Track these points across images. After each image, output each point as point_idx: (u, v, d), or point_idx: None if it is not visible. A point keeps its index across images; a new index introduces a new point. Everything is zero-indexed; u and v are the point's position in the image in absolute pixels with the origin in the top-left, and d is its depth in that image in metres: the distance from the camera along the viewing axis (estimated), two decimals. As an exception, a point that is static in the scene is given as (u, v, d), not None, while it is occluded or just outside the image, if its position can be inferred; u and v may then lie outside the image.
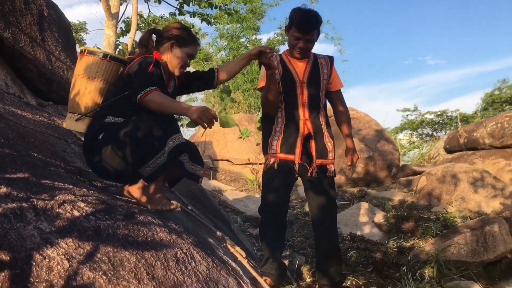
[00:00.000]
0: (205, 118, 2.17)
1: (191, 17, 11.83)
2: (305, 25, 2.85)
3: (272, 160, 2.94)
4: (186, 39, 2.58)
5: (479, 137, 8.32)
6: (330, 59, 3.09)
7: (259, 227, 3.05)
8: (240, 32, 13.70)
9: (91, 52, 2.49)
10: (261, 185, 6.64)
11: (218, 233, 2.73)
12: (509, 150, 7.68)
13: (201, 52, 13.73)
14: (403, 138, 18.55)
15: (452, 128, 18.52)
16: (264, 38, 15.09)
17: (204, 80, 2.78)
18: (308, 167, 2.91)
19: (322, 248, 2.99)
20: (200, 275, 1.86)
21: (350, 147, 3.06)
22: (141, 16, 12.47)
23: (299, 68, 2.99)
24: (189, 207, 2.98)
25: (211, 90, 12.64)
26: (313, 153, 2.92)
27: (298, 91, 2.94)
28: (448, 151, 9.53)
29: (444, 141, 10.04)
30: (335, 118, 3.16)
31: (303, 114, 2.93)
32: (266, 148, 3.02)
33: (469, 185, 5.49)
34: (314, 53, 3.07)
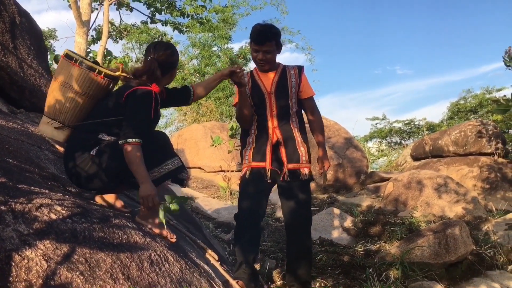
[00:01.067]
0: (146, 202, 2.26)
1: (163, 25, 11.87)
2: (259, 37, 3.00)
3: (244, 169, 3.09)
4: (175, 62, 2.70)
5: (443, 144, 8.61)
6: (299, 68, 3.21)
7: (234, 232, 3.13)
8: (212, 41, 13.79)
9: (88, 67, 2.42)
10: (232, 192, 6.72)
11: (191, 237, 2.80)
12: (472, 158, 7.98)
13: (173, 60, 13.76)
14: (372, 146, 18.94)
15: (419, 136, 18.98)
16: (235, 47, 15.27)
17: (181, 98, 2.84)
18: (280, 172, 3.03)
19: (293, 250, 3.09)
20: (173, 276, 1.93)
21: (320, 155, 3.18)
22: (112, 24, 12.42)
23: (267, 80, 3.12)
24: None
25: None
26: (284, 158, 3.04)
27: (266, 102, 3.09)
28: (415, 158, 9.81)
29: (411, 149, 10.33)
30: (309, 126, 3.29)
31: (271, 123, 3.07)
32: (241, 159, 3.18)
33: (434, 190, 5.70)
34: (283, 65, 3.21)
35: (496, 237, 4.15)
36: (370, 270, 3.52)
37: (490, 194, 6.96)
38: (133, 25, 13.91)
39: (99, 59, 9.46)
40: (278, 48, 3.10)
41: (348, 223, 4.84)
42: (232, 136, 7.58)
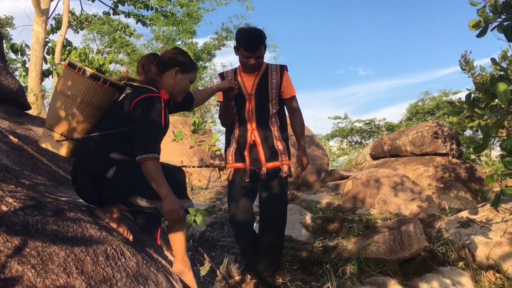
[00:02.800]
0: (171, 217, 2.27)
1: (126, 17, 11.66)
2: (252, 45, 3.04)
3: (228, 170, 3.24)
4: (189, 65, 2.60)
5: (401, 144, 8.83)
6: (281, 68, 3.26)
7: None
8: (176, 35, 13.62)
9: (92, 77, 2.36)
10: (193, 187, 6.67)
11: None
12: (428, 157, 8.21)
13: (136, 53, 13.51)
14: (333, 144, 19.22)
15: (379, 136, 19.41)
16: (200, 42, 15.11)
17: (185, 104, 2.84)
18: (257, 171, 3.14)
19: (265, 244, 3.16)
20: (129, 271, 1.91)
21: (299, 154, 3.34)
22: (73, 13, 12.10)
23: (249, 82, 3.19)
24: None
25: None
26: (261, 158, 3.15)
27: (246, 103, 3.17)
28: (374, 157, 10.02)
29: (370, 148, 10.54)
30: (290, 125, 3.37)
31: (250, 124, 3.17)
32: (225, 159, 3.30)
33: (391, 189, 5.84)
34: (267, 64, 3.26)
35: (448, 235, 4.29)
36: (327, 266, 3.58)
37: (444, 193, 7.20)
38: (95, 16, 13.61)
39: (58, 49, 9.20)
40: (265, 49, 3.16)
41: (307, 219, 4.90)
42: (194, 132, 7.55)
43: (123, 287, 1.76)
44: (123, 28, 13.69)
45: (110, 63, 9.81)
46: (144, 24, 12.34)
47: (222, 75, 3.33)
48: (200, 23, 14.05)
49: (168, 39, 13.42)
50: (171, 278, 2.25)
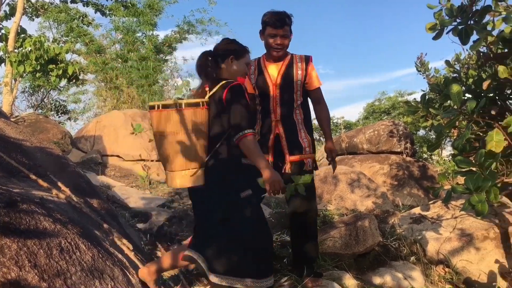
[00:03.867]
0: (273, 188, 2.42)
1: (84, 6, 11.36)
2: (278, 21, 3.03)
3: None
4: (241, 50, 2.74)
5: (358, 142, 9.01)
6: (306, 59, 3.23)
7: None
8: (137, 26, 13.36)
9: (189, 105, 2.47)
10: (152, 181, 6.59)
11: (105, 225, 2.72)
12: (383, 155, 8.42)
13: (94, 43, 13.17)
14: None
15: (337, 134, 19.75)
16: (161, 34, 14.83)
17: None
18: (280, 165, 3.12)
19: (300, 240, 3.31)
20: (84, 264, 1.87)
21: (327, 145, 3.32)
22: (28, 0, 11.66)
23: (274, 71, 3.15)
24: (75, 199, 2.92)
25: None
26: (285, 151, 3.12)
27: (271, 94, 3.13)
28: (332, 154, 10.17)
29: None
30: (315, 116, 3.37)
31: (274, 116, 3.14)
32: None
33: (347, 185, 5.96)
34: (291, 54, 3.23)
35: (401, 230, 4.42)
36: (284, 260, 3.62)
37: (398, 190, 7.41)
38: (51, 3, 13.18)
39: (11, 36, 8.87)
40: (291, 35, 3.14)
41: (265, 214, 4.93)
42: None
43: (78, 280, 1.73)
44: (81, 17, 13.34)
45: (67, 52, 9.54)
46: (103, 14, 12.06)
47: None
48: (161, 15, 13.85)
49: (128, 30, 13.15)
50: (127, 272, 2.23)
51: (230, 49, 2.70)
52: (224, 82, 2.59)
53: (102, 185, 5.55)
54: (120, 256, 2.44)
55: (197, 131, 2.47)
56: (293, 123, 3.17)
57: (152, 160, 7.23)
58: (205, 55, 2.71)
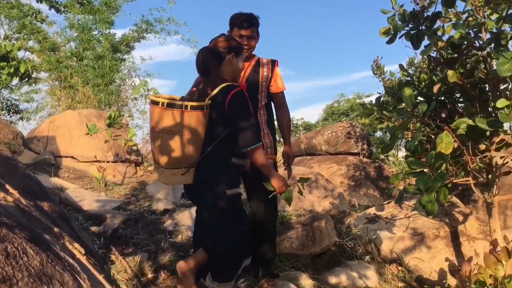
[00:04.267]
0: (282, 190, 2.74)
1: (37, 2, 10.95)
2: (245, 21, 3.07)
3: None
4: (239, 48, 2.79)
5: (317, 143, 9.13)
6: (273, 62, 3.27)
7: None
8: (93, 24, 13.03)
9: (194, 108, 2.52)
10: (107, 183, 6.45)
11: (56, 229, 2.64)
12: (341, 156, 8.56)
13: (47, 41, 12.75)
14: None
15: (296, 135, 19.94)
16: (118, 33, 14.48)
17: None
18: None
19: (260, 238, 3.30)
20: (32, 270, 1.81)
21: (285, 150, 3.41)
22: (-23, -6, 11.19)
23: (246, 70, 3.15)
24: (24, 202, 2.81)
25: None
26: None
27: None
28: (291, 155, 10.25)
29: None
30: (276, 120, 3.41)
31: (260, 116, 3.16)
32: None
33: (306, 186, 6.02)
34: (258, 57, 3.25)
35: (357, 230, 4.51)
36: (241, 262, 3.61)
37: (355, 190, 7.54)
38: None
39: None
40: (258, 36, 3.18)
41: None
42: (110, 125, 7.30)
43: (25, 287, 1.67)
44: (34, 14, 12.89)
45: (19, 50, 9.21)
46: (57, 10, 11.69)
47: None
48: (119, 14, 13.56)
49: (84, 28, 12.81)
50: (78, 277, 2.16)
51: (232, 46, 2.72)
52: (225, 85, 2.62)
53: (54, 187, 5.38)
54: (71, 260, 2.37)
55: (195, 133, 2.55)
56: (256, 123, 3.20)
57: (108, 161, 7.07)
58: (205, 51, 2.70)
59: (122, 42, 13.59)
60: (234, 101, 2.56)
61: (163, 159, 2.56)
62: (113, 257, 3.44)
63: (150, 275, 3.31)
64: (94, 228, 4.06)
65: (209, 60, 2.67)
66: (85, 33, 12.73)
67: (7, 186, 2.70)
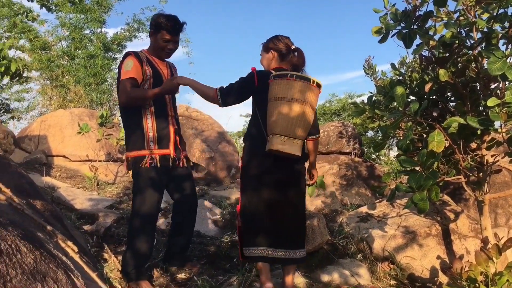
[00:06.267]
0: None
1: (28, 1, 10.88)
2: (176, 28, 3.11)
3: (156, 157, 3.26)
4: None
5: (309, 143, 9.15)
6: (174, 66, 3.43)
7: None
8: (84, 23, 12.97)
9: (318, 85, 2.90)
10: (99, 182, 6.42)
11: (48, 227, 2.63)
12: (333, 156, 8.58)
13: (38, 40, 12.67)
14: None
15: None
16: (110, 32, 14.36)
17: None
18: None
19: (183, 235, 3.41)
20: (26, 267, 1.80)
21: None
22: (-33, -8, 11.10)
23: (163, 69, 3.21)
24: (16, 201, 2.80)
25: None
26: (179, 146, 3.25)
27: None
28: (283, 155, 10.25)
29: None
30: None
31: (170, 111, 3.20)
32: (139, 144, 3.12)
33: (298, 185, 6.04)
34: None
35: (349, 229, 4.53)
36: (234, 260, 3.63)
37: (346, 189, 7.57)
38: (-7, -3, 12.59)
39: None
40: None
41: (216, 215, 4.92)
42: (102, 125, 7.27)
43: (18, 284, 1.66)
44: (25, 12, 12.80)
45: (10, 48, 9.12)
46: (49, 9, 11.60)
47: (136, 54, 3.14)
48: (110, 13, 13.52)
49: (75, 27, 12.75)
50: (71, 275, 2.16)
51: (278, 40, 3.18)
52: None
53: (46, 186, 5.35)
54: (64, 258, 2.36)
55: (312, 106, 2.92)
56: (178, 120, 3.37)
57: (100, 161, 7.05)
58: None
59: (114, 41, 13.54)
60: None
61: (295, 130, 2.81)
62: (106, 256, 3.43)
63: (143, 274, 3.31)
64: (86, 227, 4.05)
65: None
66: (76, 32, 12.67)
67: None
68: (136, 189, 3.11)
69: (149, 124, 3.07)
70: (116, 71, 13.86)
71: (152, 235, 3.15)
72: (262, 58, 3.18)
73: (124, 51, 14.27)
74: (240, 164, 3.20)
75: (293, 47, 3.12)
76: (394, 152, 11.36)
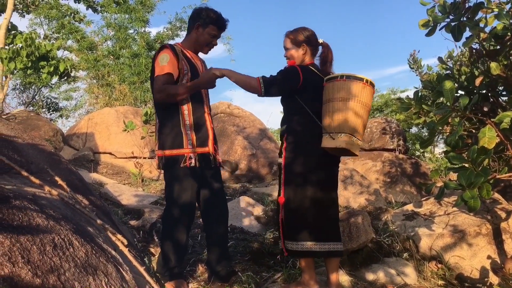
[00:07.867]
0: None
1: (75, 2, 11.29)
2: (225, 25, 3.11)
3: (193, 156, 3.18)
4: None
5: (351, 139, 9.03)
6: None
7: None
8: (129, 23, 13.29)
9: (372, 84, 2.86)
10: (144, 179, 6.56)
11: (99, 221, 2.71)
12: (376, 153, 8.45)
13: (85, 40, 13.08)
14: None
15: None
16: (153, 31, 14.67)
17: None
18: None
19: (213, 236, 3.16)
20: (78, 261, 1.86)
21: None
22: (19, -5, 11.57)
23: (198, 64, 3.15)
24: (68, 196, 2.90)
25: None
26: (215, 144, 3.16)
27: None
28: (325, 151, 10.17)
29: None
30: None
31: (206, 108, 3.09)
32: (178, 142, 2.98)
33: (341, 182, 5.98)
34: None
35: (394, 227, 4.44)
36: (278, 257, 3.62)
37: (391, 187, 7.44)
38: (42, 0, 13.08)
39: (2, 33, 8.78)
40: None
41: (258, 211, 4.94)
42: (146, 122, 7.43)
43: (71, 277, 1.72)
44: (72, 14, 13.24)
45: (58, 49, 9.47)
46: (94, 10, 11.99)
47: (172, 48, 3.02)
48: (154, 12, 13.80)
49: (120, 27, 13.08)
50: (121, 269, 2.22)
51: (311, 34, 3.11)
52: None
53: (94, 183, 5.52)
54: (113, 252, 2.43)
55: (367, 108, 2.90)
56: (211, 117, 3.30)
57: (144, 158, 7.20)
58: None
59: (157, 40, 13.80)
60: None
61: (358, 131, 2.84)
62: (152, 250, 3.50)
63: (188, 268, 3.36)
64: (133, 222, 4.15)
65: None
66: (121, 32, 12.99)
67: (56, 178, 2.78)
68: (171, 190, 2.95)
69: (187, 122, 2.94)
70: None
71: (186, 238, 3.00)
72: (292, 52, 3.02)
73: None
74: (282, 160, 3.06)
75: (320, 41, 3.05)
76: (439, 149, 11.07)
